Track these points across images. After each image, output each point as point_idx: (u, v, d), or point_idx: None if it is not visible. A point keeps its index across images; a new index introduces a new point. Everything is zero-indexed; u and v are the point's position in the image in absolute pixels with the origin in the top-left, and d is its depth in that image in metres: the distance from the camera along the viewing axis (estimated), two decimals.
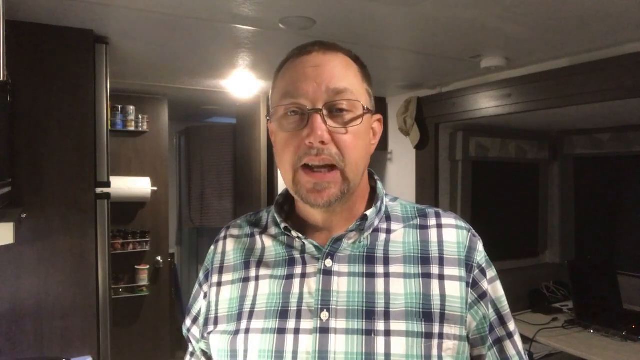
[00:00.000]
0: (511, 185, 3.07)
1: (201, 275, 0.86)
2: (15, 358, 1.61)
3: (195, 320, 0.85)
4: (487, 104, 2.36)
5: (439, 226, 0.78)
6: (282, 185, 3.30)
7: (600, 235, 3.02)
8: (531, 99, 2.14)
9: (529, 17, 1.56)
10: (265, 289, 0.76)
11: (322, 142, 0.69)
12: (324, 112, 0.71)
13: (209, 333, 0.79)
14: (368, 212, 0.76)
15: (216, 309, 0.80)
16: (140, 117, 3.20)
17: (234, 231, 0.86)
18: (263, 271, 0.78)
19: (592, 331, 2.31)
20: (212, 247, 0.87)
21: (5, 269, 1.61)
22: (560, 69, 2.03)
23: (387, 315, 0.70)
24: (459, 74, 2.45)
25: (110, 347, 1.78)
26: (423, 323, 0.70)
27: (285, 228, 0.78)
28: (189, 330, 0.87)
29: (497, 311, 0.77)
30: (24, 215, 1.55)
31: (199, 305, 0.84)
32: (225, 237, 0.86)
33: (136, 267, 3.23)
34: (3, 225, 1.15)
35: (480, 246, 0.78)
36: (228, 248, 0.84)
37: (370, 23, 1.65)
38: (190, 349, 0.89)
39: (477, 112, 2.42)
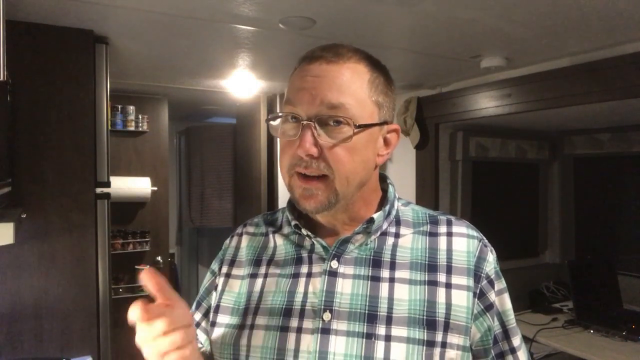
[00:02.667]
0: (511, 185, 3.07)
1: (215, 266, 0.87)
2: (15, 358, 1.61)
3: (206, 314, 0.84)
4: (487, 104, 2.36)
5: (449, 234, 0.77)
6: (282, 186, 3.29)
7: (600, 235, 3.01)
8: (531, 99, 2.14)
9: (529, 17, 1.56)
10: (272, 286, 0.77)
11: (310, 156, 0.70)
12: (316, 124, 0.70)
13: (212, 324, 0.80)
14: (375, 216, 0.76)
15: (220, 298, 0.81)
16: (140, 117, 3.20)
17: (250, 229, 0.88)
18: (272, 269, 0.79)
19: (592, 331, 2.31)
20: (228, 241, 0.89)
21: (5, 269, 1.60)
22: (560, 69, 2.03)
23: (389, 320, 0.70)
24: (459, 74, 2.45)
25: (110, 347, 1.78)
26: (425, 331, 0.69)
27: (296, 225, 0.79)
28: (198, 324, 0.86)
29: (503, 324, 0.76)
30: (24, 215, 1.55)
31: (212, 298, 0.84)
32: (241, 234, 0.88)
33: (136, 267, 3.23)
34: (3, 225, 1.15)
35: (490, 257, 0.76)
36: (243, 244, 0.86)
37: (370, 23, 1.65)
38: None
39: (477, 112, 2.42)
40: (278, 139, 0.79)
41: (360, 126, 0.71)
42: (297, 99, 0.72)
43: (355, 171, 0.73)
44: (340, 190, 0.72)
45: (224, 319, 0.79)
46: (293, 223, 0.79)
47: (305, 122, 0.71)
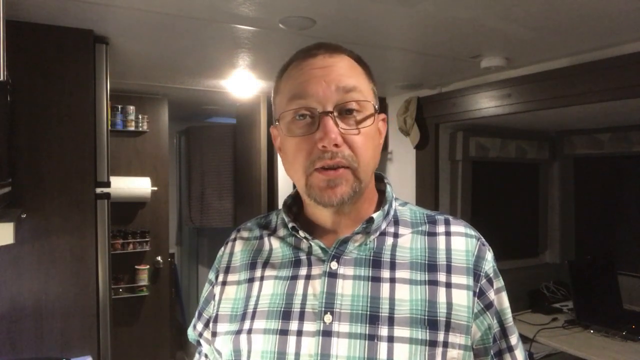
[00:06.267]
0: (511, 185, 3.07)
1: (212, 275, 0.86)
2: (15, 358, 1.61)
3: (207, 324, 0.84)
4: (487, 104, 2.36)
5: (448, 234, 0.77)
6: (282, 186, 3.25)
7: (600, 235, 3.02)
8: (531, 99, 2.14)
9: (529, 17, 1.56)
10: (269, 289, 0.76)
11: (336, 145, 0.69)
12: (335, 114, 0.70)
13: (213, 334, 0.80)
14: (374, 215, 0.75)
15: (218, 307, 0.80)
16: (140, 117, 3.20)
17: (244, 233, 0.87)
18: (268, 272, 0.78)
19: (592, 331, 2.31)
20: (222, 248, 0.88)
21: (5, 269, 1.60)
22: (560, 69, 2.03)
23: (390, 321, 0.69)
24: (459, 74, 2.45)
25: (110, 347, 1.78)
26: (428, 330, 0.69)
27: (293, 228, 0.78)
28: (200, 334, 0.86)
29: (501, 323, 0.76)
30: (24, 215, 1.55)
31: (211, 307, 0.84)
32: (235, 239, 0.87)
33: (136, 267, 3.23)
34: (3, 225, 1.15)
35: (489, 256, 0.76)
36: (236, 249, 0.85)
37: (370, 23, 1.65)
38: (201, 350, 0.89)
39: (477, 112, 2.42)
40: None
41: (375, 109, 0.73)
42: (308, 92, 0.71)
43: (373, 157, 0.74)
44: (362, 178, 0.72)
45: (223, 327, 0.78)
46: (290, 225, 0.78)
47: (321, 112, 0.70)
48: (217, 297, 0.82)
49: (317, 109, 0.70)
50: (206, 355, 0.87)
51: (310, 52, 0.75)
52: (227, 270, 0.83)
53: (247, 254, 0.83)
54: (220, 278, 0.83)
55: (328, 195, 0.71)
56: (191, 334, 0.89)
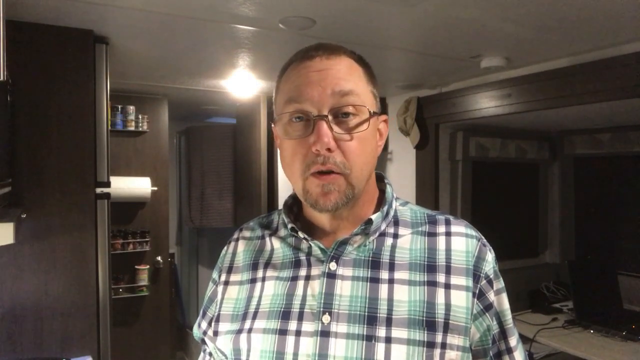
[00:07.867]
0: (511, 185, 3.07)
1: (215, 274, 0.87)
2: (15, 358, 1.61)
3: (210, 323, 0.84)
4: (487, 104, 2.36)
5: (448, 234, 0.76)
6: (282, 186, 3.25)
7: (600, 235, 3.01)
8: (531, 99, 2.14)
9: (529, 17, 1.56)
10: (270, 290, 0.76)
11: (328, 150, 0.69)
12: (330, 118, 0.70)
13: (215, 333, 0.80)
14: (373, 216, 0.75)
15: (220, 306, 0.81)
16: (140, 117, 3.20)
17: (246, 233, 0.87)
18: (270, 272, 0.78)
19: (592, 331, 2.31)
20: (225, 248, 0.88)
21: (5, 269, 1.60)
22: (560, 69, 2.03)
23: (389, 322, 0.69)
24: (459, 74, 2.45)
25: (110, 347, 1.78)
26: (426, 332, 0.69)
27: (292, 229, 0.78)
28: (205, 333, 0.86)
29: (501, 324, 0.76)
30: (24, 215, 1.55)
31: (215, 306, 0.84)
32: (237, 239, 0.87)
33: (136, 267, 3.23)
34: (3, 225, 1.15)
35: (489, 256, 0.76)
36: (239, 249, 0.85)
37: (370, 23, 1.65)
38: (206, 349, 0.89)
39: (477, 112, 2.42)
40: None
41: (371, 114, 0.72)
42: (304, 95, 0.71)
43: (367, 162, 0.74)
44: (355, 184, 0.72)
45: (224, 326, 0.79)
46: (290, 226, 0.78)
47: (316, 116, 0.70)
48: (219, 297, 0.82)
49: (312, 112, 0.71)
50: (210, 354, 0.87)
51: (308, 54, 0.75)
52: (230, 270, 0.83)
53: (249, 254, 0.83)
54: (223, 277, 0.83)
55: (323, 201, 0.71)
56: (196, 332, 0.89)
